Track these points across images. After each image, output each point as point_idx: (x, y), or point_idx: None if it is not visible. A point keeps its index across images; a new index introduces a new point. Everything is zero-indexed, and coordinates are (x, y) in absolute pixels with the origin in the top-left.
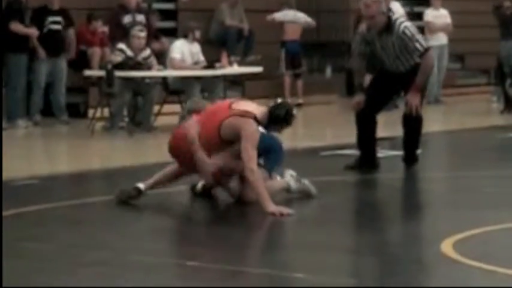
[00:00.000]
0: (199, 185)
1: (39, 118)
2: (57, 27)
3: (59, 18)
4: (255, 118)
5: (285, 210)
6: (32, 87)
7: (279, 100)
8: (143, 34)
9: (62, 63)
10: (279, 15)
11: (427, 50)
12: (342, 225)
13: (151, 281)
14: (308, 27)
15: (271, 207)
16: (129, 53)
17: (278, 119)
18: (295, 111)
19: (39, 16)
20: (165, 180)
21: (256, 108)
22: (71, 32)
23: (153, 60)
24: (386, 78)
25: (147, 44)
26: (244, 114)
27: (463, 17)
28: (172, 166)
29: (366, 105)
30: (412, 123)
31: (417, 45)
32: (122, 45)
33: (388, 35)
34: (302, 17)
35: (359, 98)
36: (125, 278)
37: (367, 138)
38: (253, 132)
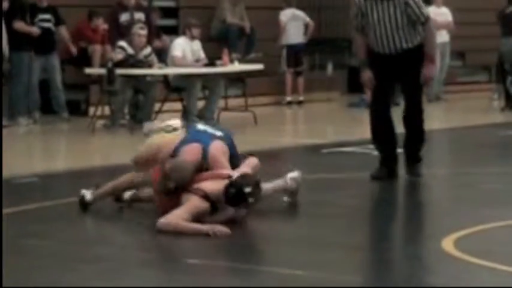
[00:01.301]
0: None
1: (38, 116)
2: (47, 25)
3: (48, 16)
4: (206, 196)
5: (219, 227)
6: (28, 85)
7: (234, 175)
8: (144, 32)
9: (54, 60)
10: (282, 18)
11: (428, 18)
12: (343, 222)
13: (152, 277)
14: (307, 28)
15: (205, 229)
16: (130, 50)
17: (230, 199)
18: (248, 189)
19: (31, 14)
20: (115, 191)
21: (215, 183)
22: (63, 30)
23: (154, 58)
24: (380, 67)
25: (148, 42)
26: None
27: (463, 14)
28: (126, 177)
29: (379, 98)
30: (414, 122)
31: (423, 11)
32: (122, 43)
33: (389, 0)
34: (302, 15)
35: (368, 74)
36: (125, 274)
37: (386, 134)
38: (191, 205)
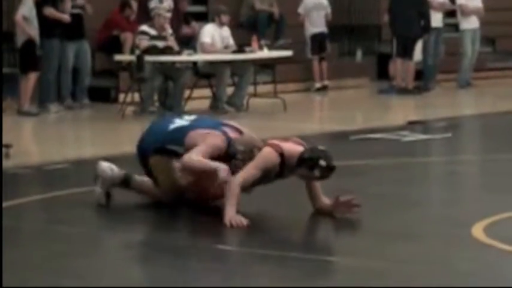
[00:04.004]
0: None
1: (71, 102)
2: (78, 11)
3: (77, 2)
4: (282, 154)
5: (240, 220)
6: (61, 71)
7: (319, 147)
8: (169, 14)
9: (86, 46)
10: (300, 11)
11: None
12: (372, 209)
13: (181, 264)
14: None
15: (227, 217)
16: (153, 32)
17: (301, 158)
18: (323, 162)
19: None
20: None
21: (293, 147)
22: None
23: (172, 41)
24: None
25: (177, 29)
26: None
27: (492, 0)
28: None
29: None
30: None
31: None
32: (143, 27)
33: None
34: (325, 4)
35: None
36: (154, 260)
37: None
38: (263, 156)
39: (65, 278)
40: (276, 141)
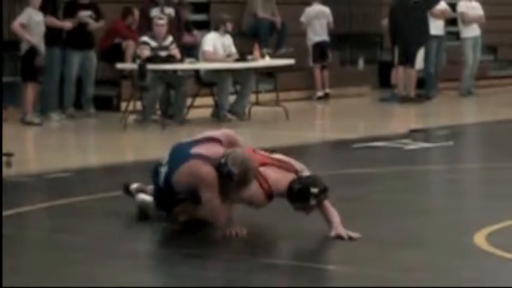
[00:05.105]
0: (134, 185)
1: (73, 111)
2: (86, 21)
3: (88, 12)
4: (270, 192)
5: (239, 229)
6: (64, 80)
7: (304, 174)
8: (162, 21)
9: (93, 56)
10: (302, 19)
11: None
12: (374, 217)
13: (183, 273)
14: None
15: (226, 227)
16: (153, 43)
17: (292, 193)
18: (315, 190)
19: (70, 10)
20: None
21: (282, 177)
22: (100, 23)
23: (174, 49)
24: None
25: (179, 37)
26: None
27: (494, 8)
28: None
29: None
30: None
31: None
32: (145, 38)
33: None
34: (327, 12)
35: None
36: (156, 269)
37: None
38: (258, 201)
39: (66, 285)
40: (268, 179)
